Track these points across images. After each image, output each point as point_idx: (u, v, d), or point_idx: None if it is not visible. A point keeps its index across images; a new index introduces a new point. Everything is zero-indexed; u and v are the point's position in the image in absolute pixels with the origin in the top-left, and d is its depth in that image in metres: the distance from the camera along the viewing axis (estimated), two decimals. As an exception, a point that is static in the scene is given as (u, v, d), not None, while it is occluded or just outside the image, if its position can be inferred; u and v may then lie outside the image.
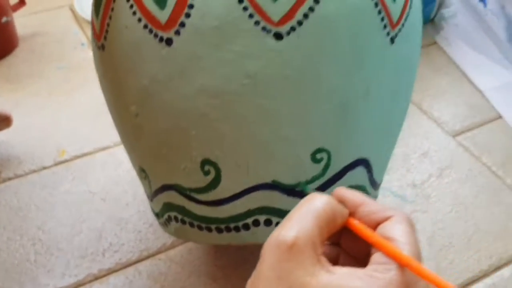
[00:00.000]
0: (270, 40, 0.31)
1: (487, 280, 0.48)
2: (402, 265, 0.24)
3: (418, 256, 0.25)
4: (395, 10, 0.34)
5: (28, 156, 0.59)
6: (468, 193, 0.56)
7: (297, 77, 0.32)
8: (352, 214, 0.27)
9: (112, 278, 0.48)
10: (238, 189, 0.35)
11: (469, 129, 0.64)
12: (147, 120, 0.36)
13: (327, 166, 0.35)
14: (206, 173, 0.35)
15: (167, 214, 0.40)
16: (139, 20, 0.34)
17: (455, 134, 0.63)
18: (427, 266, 0.49)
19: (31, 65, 0.72)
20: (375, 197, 0.42)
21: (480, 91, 0.69)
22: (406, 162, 0.59)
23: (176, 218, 0.39)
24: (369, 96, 0.35)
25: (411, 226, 0.26)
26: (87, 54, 0.74)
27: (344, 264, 0.28)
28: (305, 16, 0.31)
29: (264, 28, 0.31)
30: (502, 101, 0.68)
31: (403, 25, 0.35)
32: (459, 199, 0.55)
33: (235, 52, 0.32)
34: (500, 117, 0.66)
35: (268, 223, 0.36)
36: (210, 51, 0.32)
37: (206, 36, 0.32)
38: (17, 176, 0.57)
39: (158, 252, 0.50)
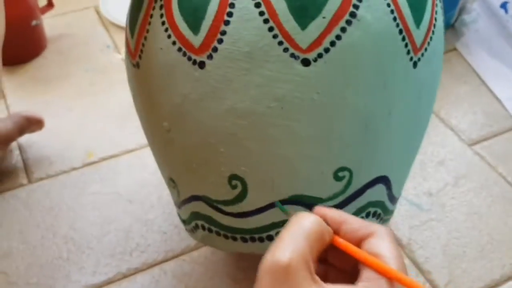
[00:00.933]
0: (298, 66, 0.33)
1: (499, 290, 0.50)
2: (392, 280, 0.26)
3: (403, 268, 0.26)
4: (418, 35, 0.36)
5: (58, 157, 0.62)
6: (483, 203, 0.58)
7: (322, 101, 0.34)
8: (335, 231, 0.28)
9: (139, 277, 0.51)
10: (263, 203, 0.37)
11: (486, 139, 0.65)
12: (178, 136, 0.38)
13: (348, 184, 0.37)
14: (234, 187, 0.37)
15: (195, 222, 0.42)
16: (174, 43, 0.36)
17: (472, 143, 0.64)
18: (441, 274, 0.51)
19: (59, 66, 0.74)
20: (392, 211, 0.44)
21: (498, 100, 0.70)
22: (422, 170, 0.61)
23: (203, 227, 0.42)
24: (391, 117, 0.36)
25: (394, 240, 0.27)
26: (113, 57, 0.76)
27: (334, 279, 0.29)
28: (332, 44, 0.33)
29: (292, 55, 0.33)
30: (520, 110, 0.69)
31: (426, 49, 0.37)
32: (474, 209, 0.57)
33: (264, 76, 0.34)
34: (517, 126, 0.67)
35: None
36: (240, 75, 0.34)
37: (237, 61, 0.34)
38: (48, 177, 0.60)
39: (183, 253, 0.53)
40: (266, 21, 0.33)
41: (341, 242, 0.28)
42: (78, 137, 0.64)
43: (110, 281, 0.51)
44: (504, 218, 0.56)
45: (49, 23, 0.79)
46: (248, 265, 0.51)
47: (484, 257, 0.53)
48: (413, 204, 0.57)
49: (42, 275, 0.51)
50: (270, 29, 0.33)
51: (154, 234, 0.54)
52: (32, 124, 0.60)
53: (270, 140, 0.35)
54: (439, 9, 0.39)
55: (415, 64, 0.36)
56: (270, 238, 0.39)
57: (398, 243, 0.53)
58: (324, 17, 0.33)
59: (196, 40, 0.35)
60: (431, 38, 0.37)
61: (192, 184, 0.40)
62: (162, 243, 0.54)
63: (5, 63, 0.73)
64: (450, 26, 0.82)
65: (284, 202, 0.37)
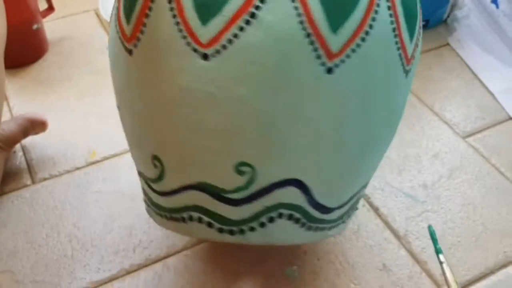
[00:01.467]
0: (199, 60, 0.36)
1: (493, 277, 0.51)
2: None
3: None
4: (335, 41, 0.35)
5: (61, 158, 0.63)
6: (477, 194, 0.59)
7: (221, 95, 0.36)
8: None
9: (142, 273, 0.52)
10: (176, 186, 0.41)
11: (480, 131, 0.66)
12: (125, 115, 0.44)
13: (251, 180, 0.38)
14: (155, 166, 0.41)
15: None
16: (117, 32, 0.40)
17: (466, 136, 0.66)
18: (437, 264, 0.52)
19: (61, 69, 0.76)
20: (325, 220, 0.42)
21: (491, 93, 0.72)
22: (418, 163, 0.62)
23: (146, 202, 0.47)
24: (299, 121, 0.36)
25: None
26: (113, 58, 0.77)
27: None
28: (229, 41, 0.35)
29: (194, 49, 0.36)
30: (512, 103, 0.70)
31: (348, 56, 0.36)
32: (468, 200, 0.58)
33: (171, 67, 0.37)
34: (510, 118, 0.68)
35: (200, 220, 0.41)
36: (154, 64, 0.38)
37: (151, 51, 0.38)
38: (52, 177, 0.61)
39: (184, 248, 0.54)
40: (174, 16, 0.36)
41: None
42: (80, 137, 0.66)
43: (114, 278, 0.52)
44: (498, 208, 0.58)
45: (50, 27, 0.80)
46: (249, 260, 0.53)
47: (478, 246, 0.54)
48: (408, 196, 0.59)
49: (48, 273, 0.52)
50: (177, 23, 0.36)
51: (157, 230, 0.56)
52: (36, 126, 0.61)
53: (178, 128, 0.38)
54: (383, 13, 0.37)
55: (329, 70, 0.35)
56: (184, 220, 0.42)
57: (395, 234, 0.55)
58: (224, 16, 0.35)
59: (128, 29, 0.39)
60: (358, 44, 0.36)
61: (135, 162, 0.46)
62: (164, 239, 0.55)
63: (8, 66, 0.74)
64: (442, 21, 0.83)
65: (192, 188, 0.40)
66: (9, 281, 0.51)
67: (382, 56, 0.37)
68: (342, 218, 0.44)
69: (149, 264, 0.53)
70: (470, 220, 0.56)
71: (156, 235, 0.55)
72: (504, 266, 0.52)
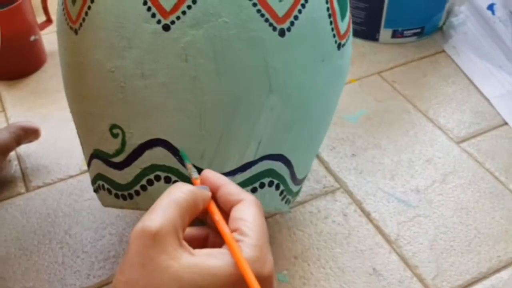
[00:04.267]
0: (73, 35, 0.41)
1: (486, 282, 0.51)
2: (231, 252, 0.27)
3: (262, 233, 0.28)
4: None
5: (55, 166, 0.64)
6: (471, 198, 0.58)
7: (85, 63, 0.40)
8: (213, 194, 0.31)
9: (132, 279, 0.52)
10: (87, 157, 0.46)
11: (474, 136, 0.66)
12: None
13: (124, 142, 0.40)
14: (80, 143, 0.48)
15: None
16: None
17: (460, 141, 0.65)
18: (428, 268, 0.51)
19: (58, 80, 0.76)
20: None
21: (486, 99, 0.71)
22: (410, 168, 0.62)
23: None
24: (146, 78, 0.38)
25: (259, 208, 0.30)
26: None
27: (212, 242, 0.31)
28: (86, 14, 0.39)
29: (70, 27, 0.41)
30: (508, 108, 0.69)
31: (292, 23, 0.38)
32: (462, 204, 0.58)
33: (61, 45, 0.43)
34: (505, 123, 0.68)
35: (103, 187, 0.44)
36: None
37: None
38: (45, 185, 0.62)
39: (175, 255, 0.54)
40: None
41: (212, 208, 0.30)
42: (75, 147, 0.66)
43: (103, 284, 0.52)
44: (492, 212, 0.57)
45: (49, 39, 0.81)
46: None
47: (471, 251, 0.53)
48: (401, 201, 0.58)
49: (38, 279, 0.52)
50: (60, 4, 0.43)
51: (148, 237, 0.56)
52: (29, 134, 0.62)
53: (69, 98, 0.46)
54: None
55: (166, 27, 0.36)
56: (98, 190, 0.46)
57: (386, 239, 0.54)
58: None
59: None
60: (299, 10, 0.38)
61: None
62: (155, 246, 0.55)
63: (5, 78, 0.76)
64: (438, 28, 0.83)
65: (93, 156, 0.43)
66: (0, 287, 0.52)
67: (318, 25, 0.40)
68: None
69: (139, 271, 0.53)
70: (463, 224, 0.56)
71: (147, 242, 0.55)
72: (497, 270, 0.52)
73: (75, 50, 0.41)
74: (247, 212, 0.29)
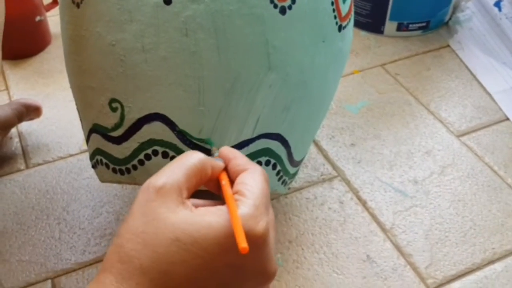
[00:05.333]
0: (74, 8, 0.41)
1: (480, 273, 0.51)
2: (230, 214, 0.28)
3: (262, 195, 0.30)
4: None
5: (56, 145, 0.64)
6: (468, 191, 0.58)
7: (86, 36, 0.40)
8: (226, 167, 0.33)
9: (127, 257, 0.52)
10: (86, 132, 0.46)
11: (474, 130, 0.66)
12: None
13: (123, 116, 0.40)
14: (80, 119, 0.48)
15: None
16: None
17: (460, 134, 0.65)
18: (422, 257, 0.51)
19: (62, 61, 0.77)
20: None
21: (489, 94, 0.71)
22: (409, 159, 0.62)
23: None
24: (146, 53, 0.38)
25: (263, 175, 0.31)
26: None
27: None
28: None
29: (72, 1, 0.41)
30: (510, 104, 0.69)
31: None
32: (459, 196, 0.58)
33: (64, 20, 0.43)
34: (506, 119, 0.67)
35: (101, 162, 0.44)
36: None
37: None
38: (45, 162, 0.62)
39: (170, 235, 0.54)
40: None
41: (221, 176, 0.32)
42: (76, 126, 0.67)
43: (98, 260, 0.52)
44: (489, 205, 0.57)
45: (54, 21, 0.82)
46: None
47: (466, 242, 0.53)
48: (397, 191, 0.58)
49: (34, 253, 0.53)
50: None
51: (144, 217, 0.56)
52: (30, 111, 0.62)
53: (70, 72, 0.45)
54: None
55: (167, 1, 0.37)
56: (96, 166, 0.46)
57: (381, 227, 0.54)
58: None
59: None
60: None
61: None
62: (151, 226, 0.55)
63: (10, 57, 0.77)
64: (444, 23, 0.83)
65: (92, 131, 0.44)
66: (-4, 260, 0.52)
67: (320, 5, 0.40)
68: None
69: (134, 249, 0.53)
70: (459, 216, 0.56)
71: (143, 221, 0.55)
72: (491, 262, 0.52)
73: (76, 24, 0.41)
74: (249, 177, 0.30)
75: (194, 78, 0.38)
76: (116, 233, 0.29)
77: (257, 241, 0.28)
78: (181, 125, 0.39)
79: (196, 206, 0.29)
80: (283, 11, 0.38)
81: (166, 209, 0.28)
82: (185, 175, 0.29)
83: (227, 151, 0.33)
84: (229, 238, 0.27)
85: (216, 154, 0.35)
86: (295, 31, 0.39)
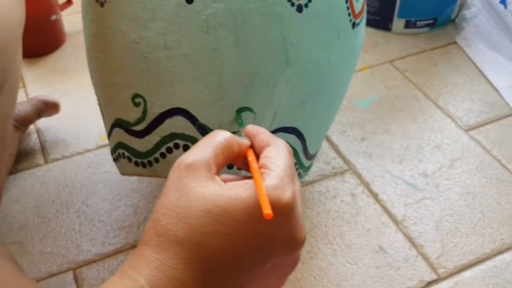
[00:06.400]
0: (99, 7, 0.42)
1: (489, 263, 0.52)
2: (256, 188, 0.29)
3: (286, 167, 0.31)
4: None
5: (73, 140, 0.66)
6: (477, 184, 0.60)
7: (111, 33, 0.41)
8: (252, 143, 0.34)
9: (146, 248, 0.54)
10: (108, 126, 0.47)
11: (482, 124, 0.67)
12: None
13: (145, 111, 0.42)
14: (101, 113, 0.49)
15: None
16: None
17: (468, 129, 0.66)
18: (433, 248, 0.53)
19: (77, 59, 0.79)
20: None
21: (496, 89, 0.72)
22: (419, 153, 0.63)
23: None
24: (170, 50, 0.39)
25: (287, 149, 0.32)
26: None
27: None
28: None
29: (96, 0, 0.43)
30: (517, 99, 0.71)
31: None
32: (468, 189, 0.59)
33: (87, 18, 0.44)
34: (514, 113, 0.69)
35: (123, 155, 0.46)
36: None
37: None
38: (64, 157, 0.64)
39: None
40: None
41: (248, 152, 0.33)
42: (92, 123, 0.68)
43: (118, 251, 0.54)
44: (497, 197, 0.58)
45: (69, 20, 0.84)
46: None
47: (476, 233, 0.55)
48: (408, 184, 0.59)
49: (56, 245, 0.54)
50: None
51: (161, 210, 0.57)
52: (49, 107, 0.64)
53: (92, 69, 0.46)
54: None
55: (189, 0, 0.39)
56: (117, 159, 0.47)
57: (393, 219, 0.56)
58: None
59: None
60: None
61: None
62: (168, 218, 0.57)
63: (26, 56, 0.78)
64: (451, 21, 0.85)
65: (115, 125, 0.45)
66: (18, 251, 0.54)
67: (335, 3, 0.42)
68: None
69: (152, 241, 0.55)
70: (469, 208, 0.57)
71: (160, 214, 0.57)
72: (500, 252, 0.53)
73: (100, 22, 0.42)
74: (273, 151, 0.32)
75: (214, 74, 0.39)
76: (153, 210, 0.31)
77: (284, 210, 0.29)
78: (202, 119, 0.41)
79: (225, 181, 0.31)
80: (299, 9, 0.39)
81: (196, 184, 0.29)
82: (213, 152, 0.31)
83: (251, 128, 0.34)
84: (256, 208, 0.28)
85: (242, 134, 0.36)
86: (311, 28, 0.40)
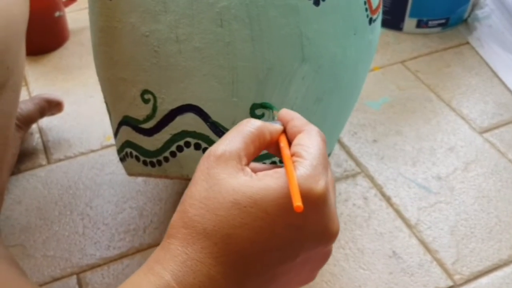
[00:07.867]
0: (107, 0, 0.40)
1: (507, 269, 0.50)
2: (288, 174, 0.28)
3: (319, 156, 0.29)
4: None
5: (77, 140, 0.64)
6: (492, 187, 0.58)
7: (119, 27, 0.40)
8: (284, 129, 0.32)
9: (152, 252, 0.52)
10: (115, 124, 0.45)
11: (497, 127, 0.65)
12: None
13: (155, 108, 0.40)
14: (107, 109, 0.47)
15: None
16: None
17: (483, 131, 0.65)
18: (449, 253, 0.51)
19: (81, 57, 0.77)
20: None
21: (510, 91, 0.71)
22: (432, 155, 0.61)
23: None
24: (181, 43, 0.38)
25: (320, 136, 0.31)
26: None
27: None
28: None
29: None
30: (532, 101, 0.69)
31: None
32: (483, 192, 0.57)
33: (94, 12, 0.43)
34: (528, 116, 0.67)
35: (131, 154, 0.44)
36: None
37: None
38: (67, 158, 0.62)
39: (194, 230, 0.54)
40: None
41: (280, 138, 0.31)
42: (96, 122, 0.67)
43: (123, 255, 0.52)
44: (514, 202, 0.56)
45: (72, 17, 0.82)
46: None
47: (492, 238, 0.53)
48: (421, 187, 0.58)
49: (59, 248, 0.53)
50: None
51: (168, 212, 0.56)
52: (52, 106, 0.62)
53: (99, 65, 0.44)
54: None
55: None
56: (125, 158, 0.45)
57: (406, 223, 0.54)
58: None
59: None
60: None
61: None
62: (174, 221, 0.55)
63: (29, 53, 0.76)
64: (463, 21, 0.83)
65: (122, 123, 0.43)
66: (20, 255, 0.52)
67: None
68: None
69: (160, 244, 0.53)
70: (484, 212, 0.55)
71: (167, 217, 0.55)
72: (518, 258, 0.51)
73: (108, 15, 0.41)
74: (306, 138, 0.30)
75: (228, 69, 0.38)
76: (180, 201, 0.30)
77: (317, 201, 0.28)
78: (214, 117, 0.39)
79: (256, 170, 0.29)
80: (317, 2, 0.38)
81: (226, 175, 0.28)
82: (243, 143, 0.29)
83: (285, 113, 0.33)
84: (287, 198, 0.27)
85: (276, 117, 0.35)
86: (328, 22, 0.39)
